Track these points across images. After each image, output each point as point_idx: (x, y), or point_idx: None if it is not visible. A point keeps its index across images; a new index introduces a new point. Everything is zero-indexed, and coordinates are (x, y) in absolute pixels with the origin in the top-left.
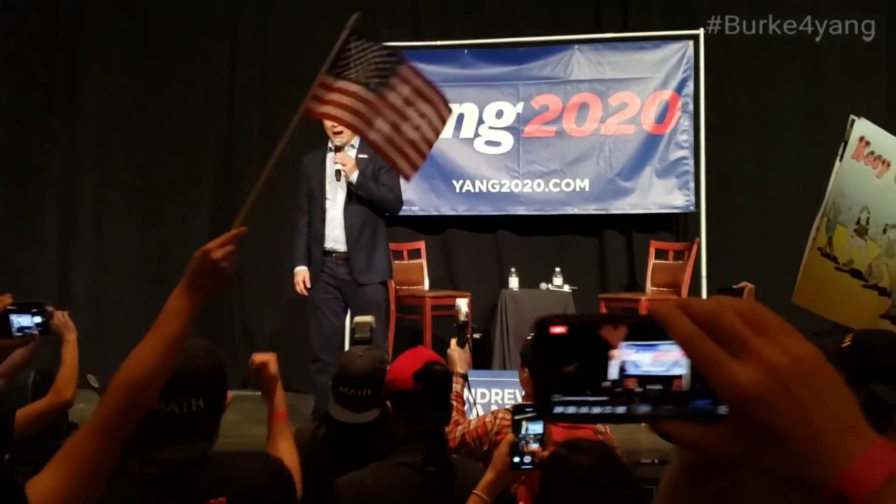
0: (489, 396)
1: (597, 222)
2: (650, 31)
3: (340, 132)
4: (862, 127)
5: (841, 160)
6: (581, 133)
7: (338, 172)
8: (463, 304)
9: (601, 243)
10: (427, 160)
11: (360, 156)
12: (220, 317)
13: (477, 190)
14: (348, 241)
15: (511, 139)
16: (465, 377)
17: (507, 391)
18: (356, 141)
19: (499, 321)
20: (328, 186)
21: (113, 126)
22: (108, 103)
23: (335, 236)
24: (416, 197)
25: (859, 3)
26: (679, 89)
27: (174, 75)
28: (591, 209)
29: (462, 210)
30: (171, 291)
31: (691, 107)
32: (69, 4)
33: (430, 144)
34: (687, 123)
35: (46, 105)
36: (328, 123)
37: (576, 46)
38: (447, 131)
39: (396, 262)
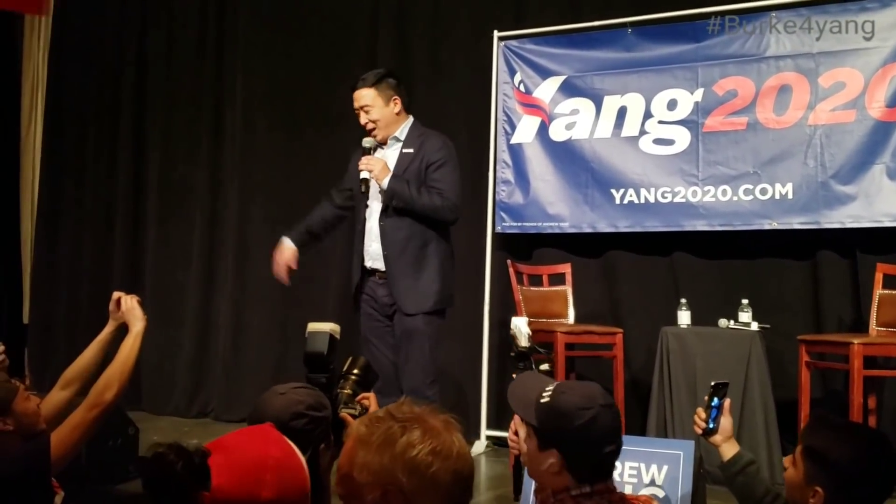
0: (640, 474)
1: (806, 240)
2: None
3: (373, 128)
4: None
5: None
6: (782, 124)
7: (363, 181)
8: (522, 324)
9: (813, 268)
10: (580, 164)
11: (405, 150)
12: None
13: (643, 200)
14: (388, 259)
15: (687, 135)
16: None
17: (664, 467)
18: (403, 132)
19: (657, 369)
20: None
21: (254, 145)
22: (250, 122)
23: (373, 252)
24: (566, 211)
25: None
26: None
27: (311, 91)
28: (796, 223)
29: (624, 226)
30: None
31: None
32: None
33: None
34: None
35: (195, 124)
36: (363, 118)
37: (772, 13)
38: (604, 129)
39: (533, 288)
